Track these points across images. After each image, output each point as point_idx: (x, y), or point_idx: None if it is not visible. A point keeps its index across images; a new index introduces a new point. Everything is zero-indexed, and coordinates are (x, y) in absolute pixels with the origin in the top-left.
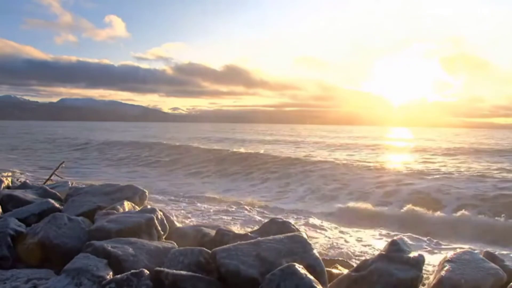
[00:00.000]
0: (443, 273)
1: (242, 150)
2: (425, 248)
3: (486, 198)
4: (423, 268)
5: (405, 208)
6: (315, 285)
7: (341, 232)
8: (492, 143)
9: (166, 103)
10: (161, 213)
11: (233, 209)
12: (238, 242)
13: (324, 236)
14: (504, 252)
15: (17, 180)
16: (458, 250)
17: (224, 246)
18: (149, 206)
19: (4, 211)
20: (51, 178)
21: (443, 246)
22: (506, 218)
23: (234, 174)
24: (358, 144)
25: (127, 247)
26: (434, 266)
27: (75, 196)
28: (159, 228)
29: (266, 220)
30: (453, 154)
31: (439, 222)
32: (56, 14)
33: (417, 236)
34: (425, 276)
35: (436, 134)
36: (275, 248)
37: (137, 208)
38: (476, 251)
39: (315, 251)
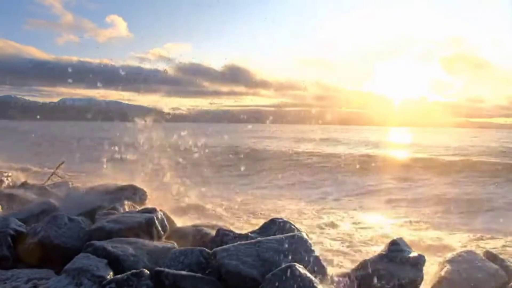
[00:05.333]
0: (443, 273)
1: None
2: None
3: None
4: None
5: None
6: (315, 285)
7: None
8: None
9: (166, 103)
10: (161, 213)
11: None
12: (238, 242)
13: None
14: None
15: (17, 180)
16: (459, 250)
17: (225, 246)
18: (149, 206)
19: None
20: (51, 177)
21: None
22: None
23: None
24: None
25: (127, 247)
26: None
27: (76, 196)
28: (159, 228)
29: (266, 220)
30: None
31: None
32: (58, 14)
33: None
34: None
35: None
36: (275, 248)
37: (137, 208)
38: (476, 251)
39: (315, 251)
